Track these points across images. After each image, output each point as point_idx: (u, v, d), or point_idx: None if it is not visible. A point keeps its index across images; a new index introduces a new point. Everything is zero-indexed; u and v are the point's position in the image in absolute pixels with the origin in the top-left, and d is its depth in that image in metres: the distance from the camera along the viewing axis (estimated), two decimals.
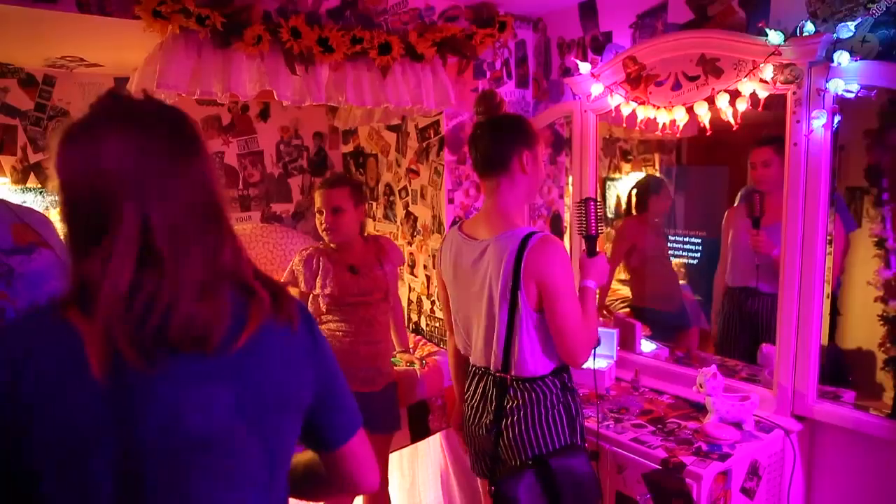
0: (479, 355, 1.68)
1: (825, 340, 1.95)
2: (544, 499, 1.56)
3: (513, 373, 1.59)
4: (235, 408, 0.79)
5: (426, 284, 2.93)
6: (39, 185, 2.70)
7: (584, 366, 2.04)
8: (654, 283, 2.77)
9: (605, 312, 2.73)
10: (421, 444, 2.63)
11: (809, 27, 1.77)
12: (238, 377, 0.79)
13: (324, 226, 2.19)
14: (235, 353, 0.78)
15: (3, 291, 1.27)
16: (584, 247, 1.75)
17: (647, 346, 2.51)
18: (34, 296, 1.32)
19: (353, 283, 2.20)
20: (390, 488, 2.59)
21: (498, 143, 1.62)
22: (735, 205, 2.42)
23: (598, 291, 1.70)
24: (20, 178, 2.68)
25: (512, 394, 1.60)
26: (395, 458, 2.59)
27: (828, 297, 1.93)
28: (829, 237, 1.86)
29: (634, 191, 2.76)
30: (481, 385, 1.70)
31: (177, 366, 0.75)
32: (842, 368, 2.00)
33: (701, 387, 1.94)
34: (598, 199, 1.74)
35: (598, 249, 1.73)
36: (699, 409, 2.07)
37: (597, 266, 1.71)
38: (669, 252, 2.69)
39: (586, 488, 1.61)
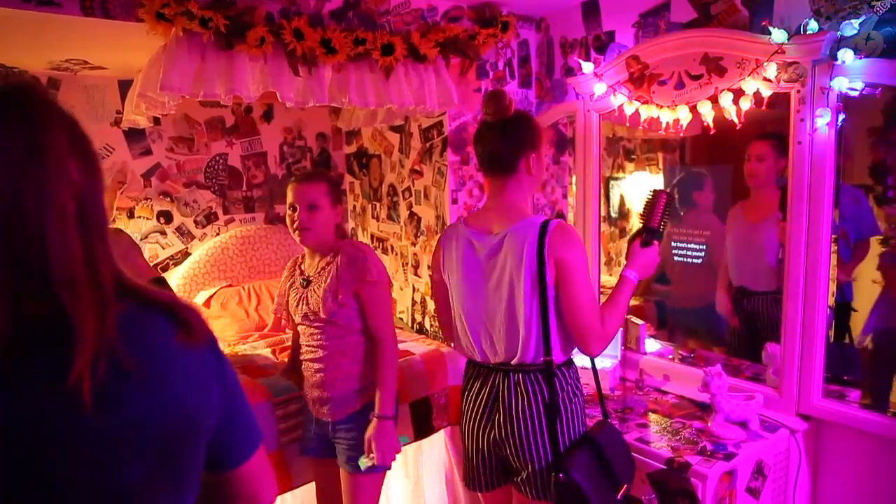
0: (497, 350, 1.63)
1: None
2: (600, 474, 1.58)
3: (552, 359, 1.57)
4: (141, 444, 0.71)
5: (430, 285, 2.93)
6: None
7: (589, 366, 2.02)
8: None
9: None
10: (425, 443, 2.63)
11: (813, 25, 1.77)
12: (143, 404, 0.71)
13: (296, 224, 1.91)
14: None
15: None
16: (640, 237, 1.72)
17: (651, 345, 2.51)
18: None
19: (300, 298, 1.96)
20: (394, 487, 2.60)
21: (506, 147, 1.61)
22: (735, 206, 2.42)
23: (636, 284, 1.67)
24: None
25: (555, 381, 1.60)
26: (399, 457, 2.59)
27: (832, 295, 1.92)
28: (833, 236, 1.85)
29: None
30: (487, 385, 1.66)
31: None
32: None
33: (706, 386, 1.93)
34: (672, 195, 1.68)
35: (654, 243, 1.69)
36: (704, 409, 2.07)
37: (646, 257, 1.68)
38: (673, 252, 2.69)
39: (627, 458, 1.69)
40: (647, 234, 1.68)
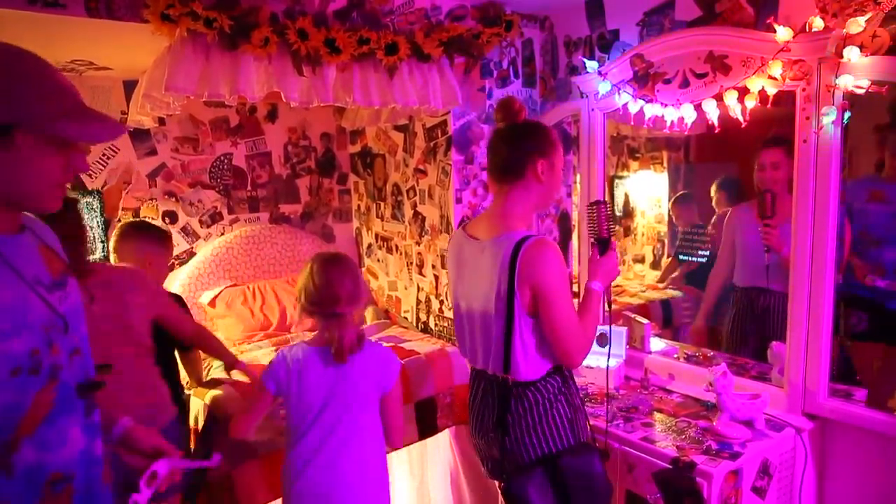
0: (478, 358, 1.68)
1: None
2: (555, 498, 1.56)
3: (510, 376, 1.59)
4: None
5: (434, 284, 2.94)
6: None
7: (594, 365, 2.02)
8: None
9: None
10: (430, 442, 2.63)
11: (819, 23, 1.76)
12: None
13: None
14: None
15: (56, 344, 1.01)
16: (595, 248, 1.75)
17: (656, 344, 2.50)
18: (73, 343, 1.06)
19: None
20: (399, 486, 2.60)
21: (514, 152, 1.61)
22: (738, 205, 2.41)
23: (603, 292, 1.70)
24: None
25: (512, 397, 1.60)
26: (403, 456, 2.60)
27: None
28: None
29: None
30: (480, 388, 1.71)
31: None
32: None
33: (711, 385, 1.93)
34: (607, 201, 1.74)
35: (610, 249, 1.73)
36: (709, 408, 2.06)
37: (606, 266, 1.71)
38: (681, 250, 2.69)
39: (597, 487, 1.61)
40: (600, 244, 1.72)
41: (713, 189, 2.63)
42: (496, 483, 1.86)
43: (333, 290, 1.64)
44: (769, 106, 1.89)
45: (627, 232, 3.10)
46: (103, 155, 2.87)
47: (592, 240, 1.74)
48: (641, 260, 3.10)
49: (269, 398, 1.70)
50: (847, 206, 2.03)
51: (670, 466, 1.77)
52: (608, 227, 1.71)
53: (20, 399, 0.95)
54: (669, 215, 2.86)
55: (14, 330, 0.94)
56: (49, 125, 0.96)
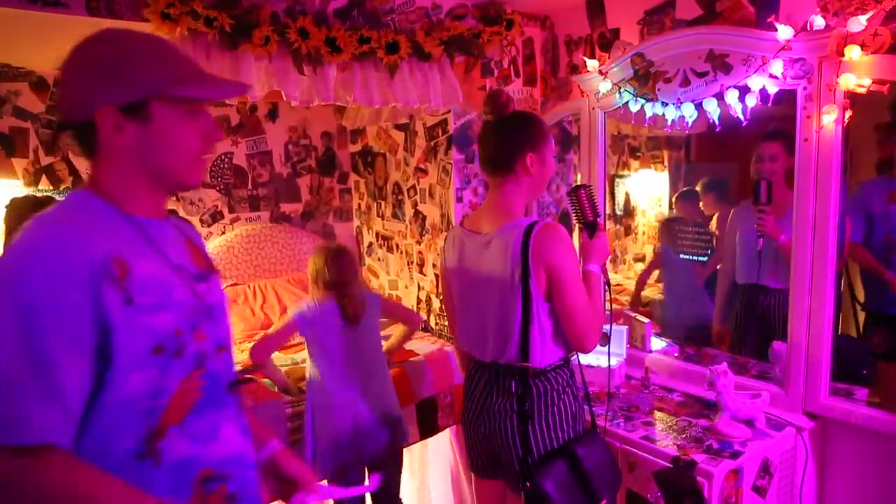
0: (489, 349, 1.65)
1: None
2: (575, 487, 1.56)
3: (528, 364, 1.58)
4: None
5: (435, 283, 2.94)
6: (51, 188, 2.73)
7: (594, 364, 2.02)
8: None
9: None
10: (430, 442, 2.63)
11: (820, 21, 1.75)
12: None
13: None
14: None
15: (200, 330, 0.99)
16: (584, 232, 1.74)
17: (657, 343, 2.50)
18: (218, 337, 1.04)
19: None
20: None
21: (503, 146, 1.61)
22: (739, 203, 2.41)
23: (601, 274, 1.70)
24: (32, 180, 2.71)
25: (529, 385, 1.60)
26: (405, 455, 2.60)
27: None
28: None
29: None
30: (483, 380, 1.69)
31: None
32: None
33: (712, 384, 1.93)
34: (589, 184, 1.73)
35: (599, 230, 1.72)
36: (710, 407, 2.06)
37: (597, 247, 1.71)
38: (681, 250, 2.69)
39: (610, 472, 1.64)
40: (588, 227, 1.72)
41: (699, 191, 2.63)
42: (473, 478, 1.85)
43: (343, 275, 2.13)
44: (770, 105, 1.88)
45: (628, 231, 3.11)
46: None
47: (580, 225, 1.74)
48: (642, 259, 3.10)
49: (293, 330, 2.13)
50: (865, 209, 2.02)
51: (671, 465, 1.77)
52: (592, 209, 1.70)
53: (163, 381, 0.92)
54: (671, 211, 2.86)
55: (159, 305, 0.93)
56: (180, 89, 0.97)
